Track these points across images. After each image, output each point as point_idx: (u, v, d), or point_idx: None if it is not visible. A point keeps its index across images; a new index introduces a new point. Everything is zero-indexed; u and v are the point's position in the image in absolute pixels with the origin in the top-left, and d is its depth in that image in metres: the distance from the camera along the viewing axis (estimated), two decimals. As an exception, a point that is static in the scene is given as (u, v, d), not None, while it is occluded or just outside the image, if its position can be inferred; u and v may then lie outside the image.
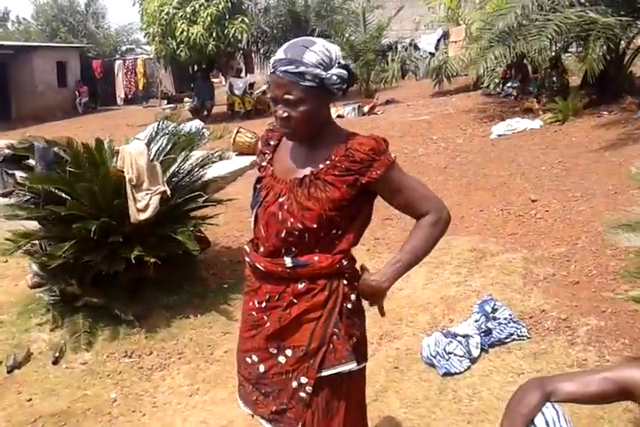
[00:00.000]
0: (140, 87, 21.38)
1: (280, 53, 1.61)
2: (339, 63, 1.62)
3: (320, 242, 1.68)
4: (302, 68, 1.56)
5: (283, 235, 1.68)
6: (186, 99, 20.02)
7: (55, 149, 3.71)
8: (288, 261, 1.69)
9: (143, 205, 3.59)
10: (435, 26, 16.53)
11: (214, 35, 13.82)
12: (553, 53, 9.72)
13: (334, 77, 1.60)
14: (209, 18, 13.61)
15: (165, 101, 20.70)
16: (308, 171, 1.68)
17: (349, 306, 1.73)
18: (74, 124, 17.52)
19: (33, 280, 4.31)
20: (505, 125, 8.50)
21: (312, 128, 1.67)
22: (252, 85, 15.96)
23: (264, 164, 1.82)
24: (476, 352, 3.14)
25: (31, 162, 3.91)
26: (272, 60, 1.63)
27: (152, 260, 3.71)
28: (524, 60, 11.07)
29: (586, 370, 2.79)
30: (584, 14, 7.95)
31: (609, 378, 1.41)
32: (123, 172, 3.61)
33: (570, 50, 10.42)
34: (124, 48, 25.20)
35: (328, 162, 1.65)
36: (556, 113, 8.53)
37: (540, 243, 4.49)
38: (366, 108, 11.94)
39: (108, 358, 3.68)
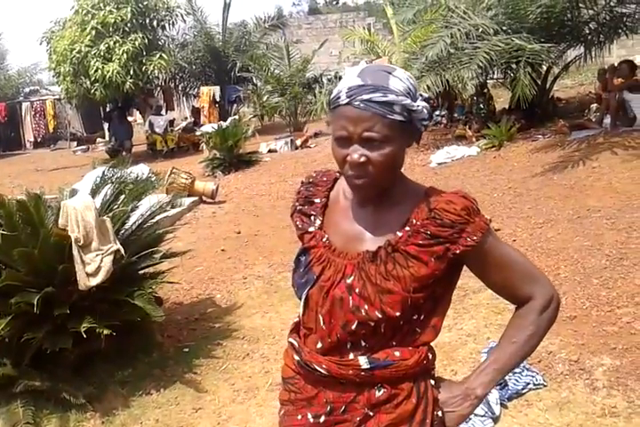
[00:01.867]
0: (51, 129, 20.22)
1: (354, 79, 1.21)
2: (421, 95, 1.26)
3: (398, 332, 1.28)
4: (391, 97, 1.18)
5: (353, 327, 1.26)
6: (98, 139, 19.17)
7: (-19, 209, 3.11)
8: (363, 360, 1.27)
9: (93, 268, 3.06)
10: (352, 59, 16.73)
11: (131, 72, 13.25)
12: (479, 80, 9.89)
13: (424, 110, 1.23)
14: (125, 55, 13.05)
15: (75, 143, 19.70)
16: (381, 240, 1.27)
17: (440, 414, 1.31)
18: (-24, 172, 16.21)
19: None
20: (444, 153, 8.49)
21: (391, 178, 1.27)
22: (171, 123, 15.45)
23: (311, 229, 1.38)
24: (497, 409, 2.80)
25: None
26: (343, 88, 1.22)
27: (105, 332, 3.15)
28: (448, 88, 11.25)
29: None
30: (510, 41, 8.13)
31: None
32: (66, 231, 3.07)
33: (493, 77, 10.69)
34: (27, 89, 23.87)
35: (408, 227, 1.26)
36: (491, 139, 8.61)
37: (520, 275, 4.28)
38: (299, 142, 11.69)
39: (59, 454, 3.07)
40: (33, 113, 20.24)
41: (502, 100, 11.71)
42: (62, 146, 19.95)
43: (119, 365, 3.67)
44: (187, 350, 3.96)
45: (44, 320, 3.11)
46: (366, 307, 1.24)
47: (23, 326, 3.10)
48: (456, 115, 11.61)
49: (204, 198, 8.25)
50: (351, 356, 1.28)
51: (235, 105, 16.61)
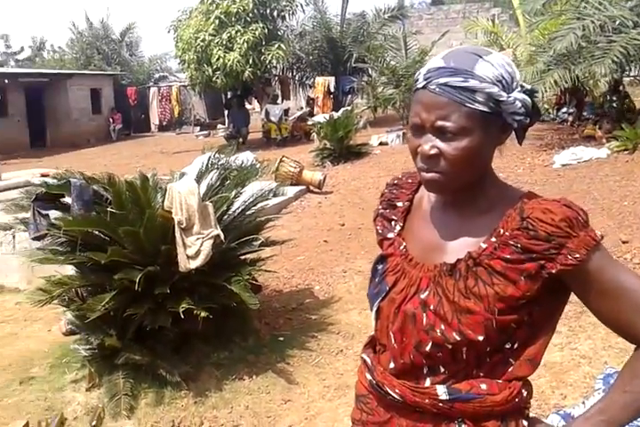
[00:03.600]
0: (175, 114, 21.36)
1: (437, 61, 1.07)
2: (521, 86, 1.07)
3: (484, 361, 1.10)
4: (473, 83, 1.02)
5: (427, 348, 1.09)
6: (219, 125, 19.93)
7: (94, 186, 3.24)
8: (441, 390, 1.09)
9: (194, 251, 3.08)
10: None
11: (251, 61, 13.60)
12: (614, 77, 9.11)
13: (517, 103, 1.05)
14: (245, 44, 13.40)
15: (198, 128, 20.62)
16: (462, 252, 1.10)
17: None
18: (108, 150, 17.48)
19: (67, 327, 3.82)
20: (569, 154, 7.89)
21: (468, 177, 1.10)
22: (286, 112, 15.71)
23: (390, 235, 1.23)
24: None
25: (67, 200, 3.43)
26: (423, 70, 1.08)
27: (203, 314, 3.18)
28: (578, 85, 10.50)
29: None
30: (653, 35, 7.39)
31: None
32: (170, 213, 3.12)
33: (630, 73, 9.82)
34: (156, 75, 25.36)
35: (494, 238, 1.08)
36: (624, 141, 7.88)
37: (648, 293, 3.84)
38: (411, 135, 11.39)
39: (152, 428, 3.15)
40: (160, 98, 21.46)
41: (640, 99, 10.76)
42: (186, 130, 20.99)
43: (216, 347, 3.73)
44: (282, 338, 3.95)
45: (145, 298, 3.19)
46: (442, 327, 1.07)
47: (126, 301, 3.20)
48: (585, 113, 10.81)
49: (311, 188, 8.27)
50: (428, 383, 1.12)
51: (349, 96, 16.60)
